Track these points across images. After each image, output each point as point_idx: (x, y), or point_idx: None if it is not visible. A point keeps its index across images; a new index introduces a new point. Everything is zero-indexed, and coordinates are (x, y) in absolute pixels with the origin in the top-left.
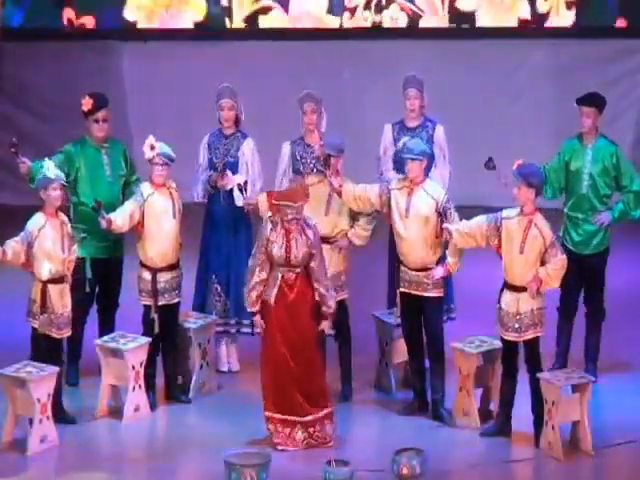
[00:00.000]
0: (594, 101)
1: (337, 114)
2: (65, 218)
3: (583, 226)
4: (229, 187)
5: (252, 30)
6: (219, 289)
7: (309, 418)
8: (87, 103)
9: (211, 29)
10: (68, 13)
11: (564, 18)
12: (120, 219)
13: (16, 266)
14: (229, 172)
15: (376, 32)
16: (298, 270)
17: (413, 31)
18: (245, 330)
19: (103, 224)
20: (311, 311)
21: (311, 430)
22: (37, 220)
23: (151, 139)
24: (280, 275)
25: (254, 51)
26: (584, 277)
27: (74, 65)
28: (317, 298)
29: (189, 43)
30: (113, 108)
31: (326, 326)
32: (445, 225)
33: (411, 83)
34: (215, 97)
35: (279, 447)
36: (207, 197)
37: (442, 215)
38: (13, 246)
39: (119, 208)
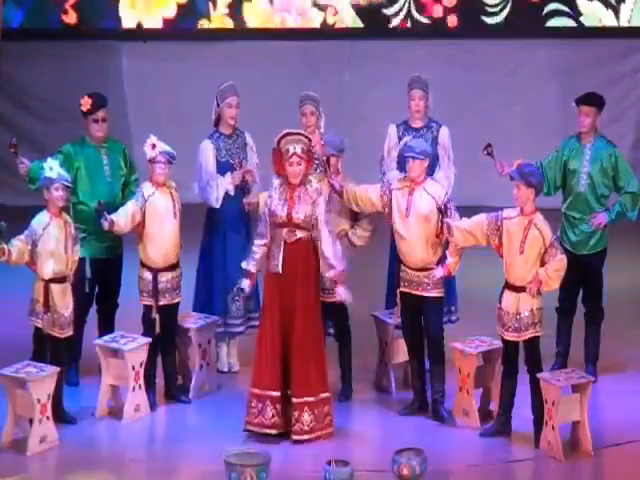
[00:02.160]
0: (593, 101)
1: (337, 114)
2: (69, 218)
3: (580, 226)
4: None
5: (252, 30)
6: (222, 289)
7: (310, 399)
8: (86, 103)
9: (210, 29)
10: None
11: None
12: (122, 220)
13: (20, 265)
14: (249, 167)
15: (376, 32)
16: (301, 235)
17: (413, 31)
18: (254, 323)
19: (105, 225)
20: (315, 282)
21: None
22: (42, 219)
23: (152, 138)
24: (283, 242)
25: (254, 51)
26: (582, 277)
27: (74, 65)
28: (321, 260)
29: (189, 43)
30: (112, 108)
31: (342, 292)
32: (446, 220)
33: (416, 84)
34: (219, 96)
35: (248, 427)
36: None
37: (443, 213)
38: (17, 245)
39: (120, 209)
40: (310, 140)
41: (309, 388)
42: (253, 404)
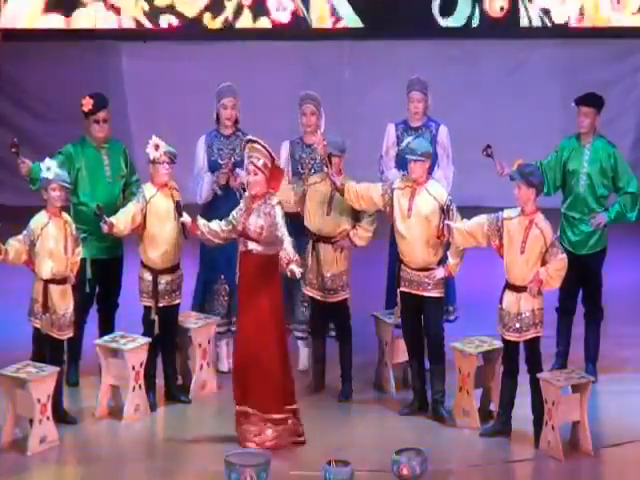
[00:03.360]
0: (592, 101)
1: (337, 114)
2: (69, 219)
3: (579, 226)
4: (240, 184)
5: (252, 30)
6: (227, 289)
7: (272, 416)
8: (87, 103)
9: (210, 29)
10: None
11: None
12: (122, 222)
13: (18, 265)
14: (240, 171)
15: (376, 32)
16: (252, 246)
17: (413, 31)
18: None
19: (105, 228)
20: (269, 297)
21: (279, 428)
22: (40, 218)
23: (155, 139)
24: (239, 251)
25: (254, 51)
26: (582, 277)
27: (74, 65)
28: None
29: (188, 43)
30: (113, 108)
31: (295, 270)
32: (446, 222)
33: (415, 86)
34: (216, 97)
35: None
36: (210, 198)
37: (444, 214)
38: (14, 245)
39: (120, 211)
40: (272, 157)
41: (269, 406)
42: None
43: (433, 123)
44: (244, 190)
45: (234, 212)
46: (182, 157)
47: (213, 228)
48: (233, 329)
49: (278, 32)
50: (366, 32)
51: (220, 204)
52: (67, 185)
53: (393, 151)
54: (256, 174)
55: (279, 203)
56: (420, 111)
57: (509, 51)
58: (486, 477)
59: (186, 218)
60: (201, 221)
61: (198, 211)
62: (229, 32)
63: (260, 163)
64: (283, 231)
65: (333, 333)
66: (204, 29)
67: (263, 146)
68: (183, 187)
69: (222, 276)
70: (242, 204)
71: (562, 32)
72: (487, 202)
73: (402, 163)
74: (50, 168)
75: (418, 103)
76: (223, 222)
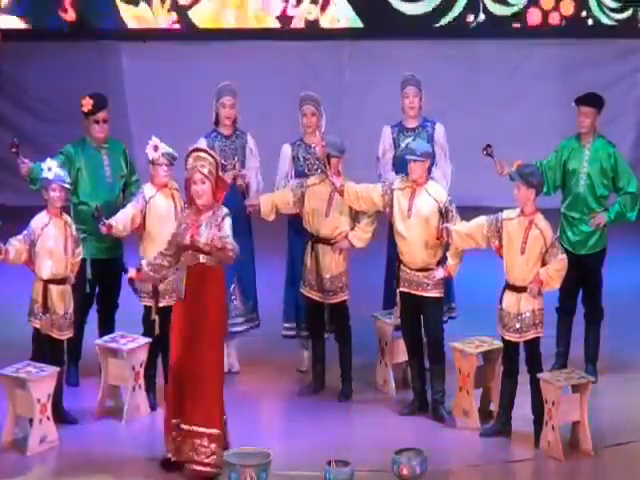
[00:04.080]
0: (593, 101)
1: (337, 114)
2: (69, 219)
3: (579, 226)
4: (247, 182)
5: (252, 30)
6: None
7: (191, 428)
8: (88, 104)
9: (210, 29)
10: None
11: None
12: (121, 224)
13: (18, 264)
14: (244, 171)
15: (376, 32)
16: (204, 260)
17: (413, 31)
18: (253, 324)
19: (103, 230)
20: (217, 312)
21: (193, 442)
22: (41, 218)
23: (155, 140)
24: (187, 266)
25: (254, 51)
26: (581, 277)
27: (74, 65)
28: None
29: (189, 43)
30: (112, 108)
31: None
32: (445, 224)
33: (410, 82)
34: (215, 96)
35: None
36: None
37: (444, 216)
38: (15, 245)
39: (120, 212)
40: (218, 164)
41: (204, 419)
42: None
43: (429, 123)
44: (248, 190)
45: (174, 231)
46: (182, 157)
47: (156, 262)
48: (239, 329)
49: (278, 32)
50: (366, 32)
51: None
52: (67, 186)
53: (390, 153)
54: (203, 182)
55: (228, 214)
56: (415, 106)
57: (509, 51)
58: (486, 477)
59: (131, 272)
60: (143, 263)
61: None
62: (229, 32)
63: (206, 171)
64: (232, 242)
65: (327, 334)
66: (204, 29)
67: (209, 154)
68: (183, 187)
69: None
70: (185, 218)
71: (562, 32)
72: (487, 202)
73: (400, 165)
74: (51, 168)
75: (414, 98)
76: (158, 255)
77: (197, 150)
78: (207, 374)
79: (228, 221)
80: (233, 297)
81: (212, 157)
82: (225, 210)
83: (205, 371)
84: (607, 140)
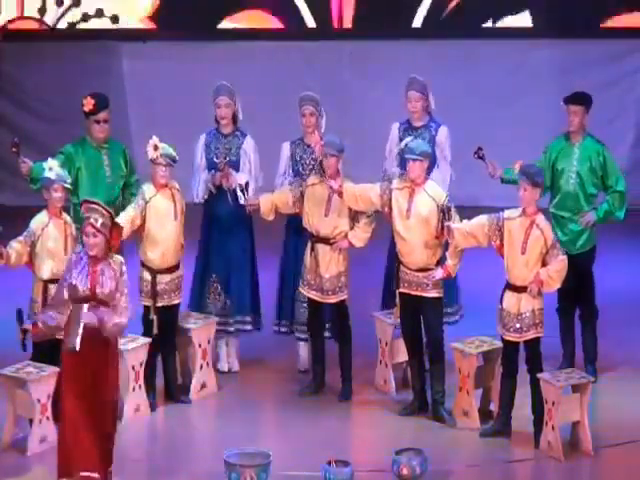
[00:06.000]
0: (581, 99)
1: (337, 114)
2: (69, 219)
3: (569, 225)
4: (234, 186)
5: (252, 30)
6: (219, 288)
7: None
8: (88, 104)
9: (210, 29)
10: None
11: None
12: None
13: (20, 266)
14: (233, 171)
15: (376, 32)
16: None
17: (413, 31)
18: (246, 327)
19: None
20: (114, 364)
21: None
22: (41, 219)
23: (155, 139)
24: (82, 319)
25: (254, 51)
26: (573, 276)
27: (74, 65)
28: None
29: (188, 43)
30: (113, 108)
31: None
32: (447, 223)
33: (412, 85)
34: (212, 96)
35: None
36: (207, 197)
37: (443, 215)
38: (16, 247)
39: (121, 215)
40: (111, 215)
41: (96, 466)
42: None
43: (434, 124)
44: (235, 192)
45: (62, 283)
46: (182, 157)
47: (49, 313)
48: (230, 329)
49: (278, 32)
50: (366, 32)
51: (216, 203)
52: (68, 186)
53: (396, 150)
54: (96, 236)
55: (122, 262)
56: (418, 110)
57: (509, 51)
58: (486, 477)
59: (27, 326)
60: (40, 318)
61: (199, 211)
62: (229, 32)
63: (99, 224)
64: (124, 299)
65: (327, 334)
66: (204, 29)
67: (100, 205)
68: (186, 187)
69: (214, 275)
70: (76, 268)
71: (562, 32)
72: (487, 202)
73: (404, 163)
74: (52, 168)
75: (416, 102)
76: (51, 311)
77: (88, 202)
78: (94, 421)
79: (125, 269)
80: (217, 295)
81: (104, 209)
82: (120, 259)
83: (92, 419)
84: (596, 139)
